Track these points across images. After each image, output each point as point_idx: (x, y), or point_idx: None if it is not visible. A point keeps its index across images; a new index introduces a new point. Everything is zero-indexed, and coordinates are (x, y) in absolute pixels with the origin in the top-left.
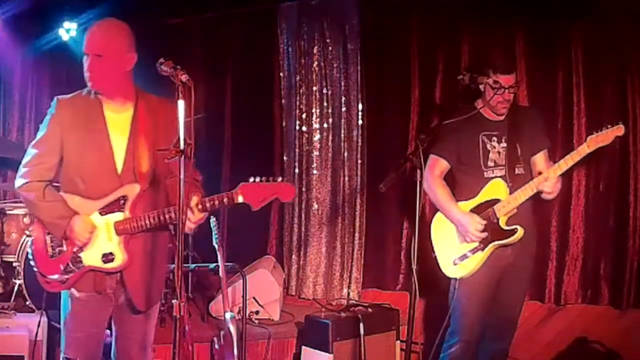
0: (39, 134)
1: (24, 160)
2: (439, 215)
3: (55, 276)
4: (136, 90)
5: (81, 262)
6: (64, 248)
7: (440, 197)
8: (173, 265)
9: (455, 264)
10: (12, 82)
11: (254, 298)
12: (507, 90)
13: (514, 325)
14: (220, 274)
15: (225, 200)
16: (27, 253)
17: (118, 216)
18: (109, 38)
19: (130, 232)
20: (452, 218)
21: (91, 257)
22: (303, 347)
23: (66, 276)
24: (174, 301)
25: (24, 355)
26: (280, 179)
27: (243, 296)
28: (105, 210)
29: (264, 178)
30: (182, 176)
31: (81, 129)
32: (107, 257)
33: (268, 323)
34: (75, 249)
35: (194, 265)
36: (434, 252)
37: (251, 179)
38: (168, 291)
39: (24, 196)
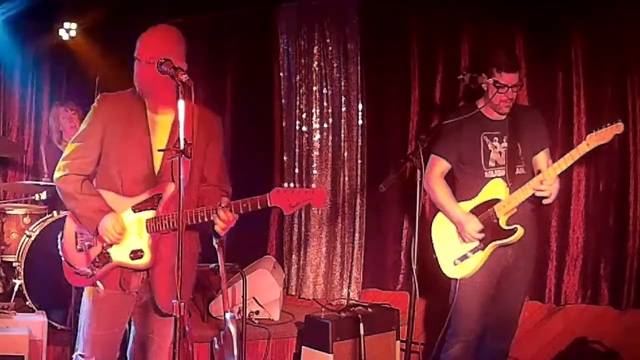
0: (81, 128)
1: (64, 154)
2: (440, 215)
3: (82, 268)
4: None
5: (109, 257)
6: (93, 243)
7: (440, 197)
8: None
9: (455, 265)
10: (12, 82)
11: (254, 298)
12: (510, 89)
13: (514, 325)
14: (220, 274)
15: (257, 203)
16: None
17: (150, 214)
18: (165, 46)
19: (161, 230)
20: (452, 218)
21: (120, 253)
22: (303, 347)
23: (93, 271)
24: (174, 301)
25: (24, 355)
26: (313, 186)
27: (243, 296)
28: (138, 207)
29: (297, 185)
30: (181, 176)
31: (122, 126)
32: (136, 254)
33: (268, 323)
34: (105, 244)
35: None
36: (434, 253)
37: (285, 185)
38: None
39: (62, 188)
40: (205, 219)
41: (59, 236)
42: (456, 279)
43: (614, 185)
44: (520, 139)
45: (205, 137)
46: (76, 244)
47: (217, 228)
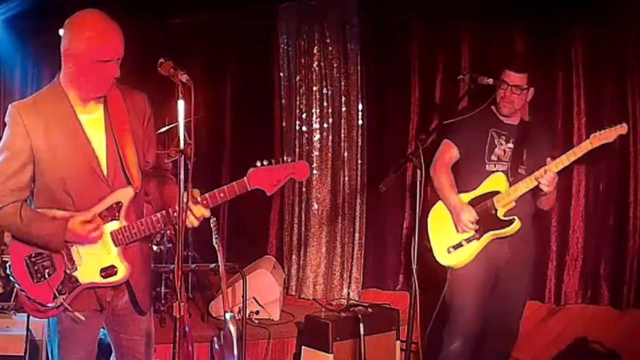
0: (3, 151)
1: None
2: (439, 204)
3: (52, 304)
4: None
5: (77, 281)
6: (52, 270)
7: (442, 184)
8: (173, 265)
9: (449, 252)
10: (12, 82)
11: (254, 298)
12: (510, 88)
13: (515, 327)
14: (220, 274)
15: (236, 188)
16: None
17: (113, 225)
18: (122, 39)
19: (130, 240)
20: (449, 206)
21: (88, 274)
22: (303, 347)
23: (60, 297)
24: (174, 301)
25: (24, 356)
26: (289, 159)
27: (243, 296)
28: None
29: (272, 160)
30: (181, 176)
31: (52, 135)
32: (107, 272)
33: (268, 323)
34: (67, 269)
35: (194, 265)
36: (428, 242)
37: (258, 163)
38: (168, 291)
39: (3, 224)
40: (173, 220)
41: (8, 268)
42: (449, 269)
43: (614, 185)
44: (527, 147)
45: (138, 121)
46: (30, 276)
47: (188, 224)
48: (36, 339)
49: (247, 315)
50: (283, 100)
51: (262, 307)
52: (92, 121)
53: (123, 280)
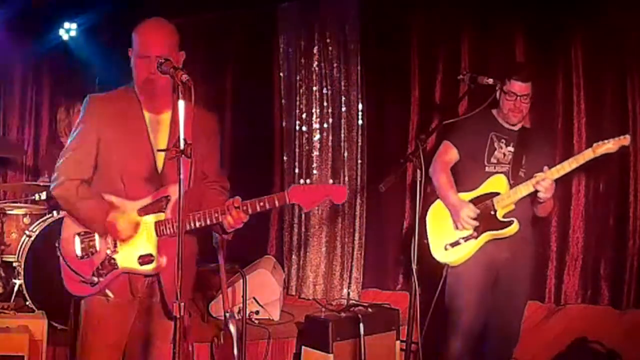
0: (73, 133)
1: (58, 162)
2: (438, 202)
3: (87, 277)
4: (173, 94)
5: (115, 264)
6: (96, 249)
7: (441, 182)
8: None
9: (446, 249)
10: (12, 82)
11: (254, 298)
12: (519, 98)
13: (516, 328)
14: (220, 274)
15: (275, 201)
16: (26, 254)
17: (159, 217)
18: (168, 38)
19: (171, 233)
20: (448, 204)
21: (127, 259)
22: (303, 347)
23: (98, 278)
24: (174, 301)
25: (24, 355)
26: (331, 181)
27: (243, 296)
28: (144, 211)
29: (315, 181)
30: (181, 176)
31: (119, 128)
32: (144, 259)
33: (268, 323)
34: (109, 251)
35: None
36: (426, 239)
37: (301, 181)
38: None
39: (58, 195)
40: (214, 221)
41: (57, 243)
42: (446, 267)
43: (614, 185)
44: (527, 153)
45: (202, 136)
46: (77, 251)
47: (225, 226)
48: (36, 339)
49: (247, 315)
50: (283, 100)
51: (262, 307)
52: (158, 122)
53: (156, 270)
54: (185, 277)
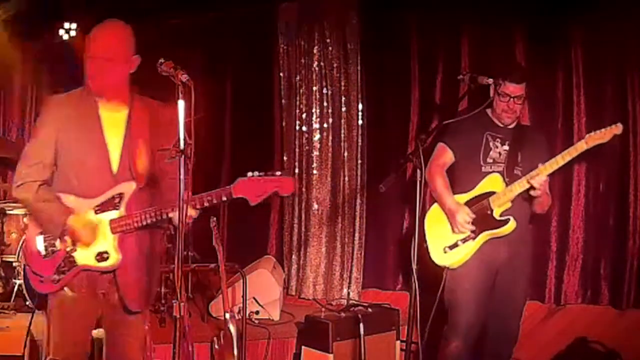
0: (33, 135)
1: (19, 163)
2: (435, 205)
3: (48, 275)
4: (132, 92)
5: (74, 261)
6: (57, 247)
7: (437, 185)
8: (173, 265)
9: (445, 252)
10: (12, 82)
11: (254, 298)
12: (512, 100)
13: (515, 328)
14: (220, 274)
15: (222, 196)
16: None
17: (113, 214)
18: (116, 40)
19: (125, 230)
20: (445, 207)
21: (85, 256)
22: (303, 347)
23: (59, 276)
24: (174, 301)
25: (24, 355)
26: (279, 172)
27: (243, 296)
28: (100, 209)
29: (262, 173)
30: (182, 176)
31: (76, 127)
32: (101, 256)
33: (268, 323)
34: (68, 249)
35: (194, 265)
36: (425, 241)
37: (249, 174)
38: (168, 291)
39: (19, 197)
40: (164, 217)
41: (20, 244)
42: (446, 269)
43: (614, 185)
44: (522, 150)
45: (162, 131)
46: (41, 251)
47: (174, 223)
48: (36, 339)
49: (247, 315)
50: (283, 100)
51: (262, 307)
52: (114, 121)
53: (113, 267)
54: (151, 275)
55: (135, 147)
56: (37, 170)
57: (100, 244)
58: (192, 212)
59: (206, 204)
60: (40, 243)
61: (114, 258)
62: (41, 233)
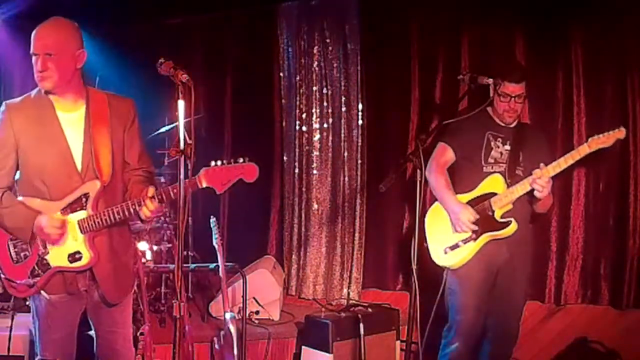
0: None
1: None
2: (436, 204)
3: (23, 281)
4: (86, 88)
5: (48, 264)
6: (29, 252)
7: (438, 185)
8: (173, 265)
9: (446, 253)
10: (12, 82)
11: (254, 298)
12: (513, 99)
13: (515, 329)
14: (220, 274)
15: (187, 185)
16: None
17: (81, 214)
18: (60, 36)
19: (94, 229)
20: (447, 206)
21: (58, 258)
22: (303, 347)
23: (34, 280)
24: (174, 301)
25: (24, 355)
26: (242, 159)
27: (243, 296)
28: (67, 210)
29: (225, 161)
30: (181, 176)
31: (35, 131)
32: (74, 257)
33: (268, 323)
34: (40, 252)
35: (194, 265)
36: (425, 242)
37: (212, 163)
38: (168, 291)
39: None
40: (132, 213)
41: None
42: (446, 269)
43: (614, 185)
44: (523, 149)
45: (120, 123)
46: (11, 257)
47: (142, 217)
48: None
49: (247, 315)
50: (283, 100)
51: (262, 307)
52: (72, 120)
53: (88, 265)
54: (123, 267)
55: (96, 143)
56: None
57: (71, 244)
58: (159, 207)
59: (172, 197)
60: (11, 249)
61: (87, 257)
62: (11, 238)
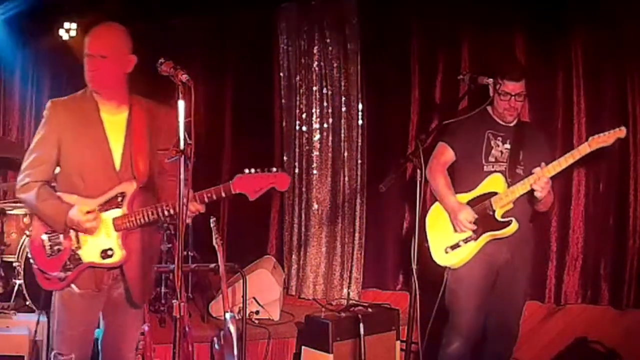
0: (36, 137)
1: (23, 165)
2: (436, 205)
3: (55, 273)
4: (130, 93)
5: (80, 259)
6: (62, 246)
7: (439, 184)
8: (173, 265)
9: (446, 252)
10: (13, 82)
11: (254, 298)
12: (513, 98)
13: (515, 328)
14: (220, 274)
15: (222, 192)
16: (27, 252)
17: (116, 212)
18: (113, 40)
19: (128, 227)
20: (447, 206)
21: (90, 254)
22: (303, 347)
23: (65, 274)
24: (174, 301)
25: (24, 355)
26: (275, 169)
27: (243, 296)
28: (103, 207)
29: (259, 169)
30: (181, 176)
31: (78, 129)
32: (106, 253)
33: (268, 323)
34: (73, 247)
35: (194, 265)
36: (426, 242)
37: (246, 171)
38: (168, 291)
39: (22, 197)
40: (167, 214)
41: (27, 243)
42: (447, 269)
43: (614, 185)
44: (524, 148)
45: (160, 130)
46: (45, 250)
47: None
48: (37, 339)
49: (247, 315)
50: (283, 100)
51: (262, 307)
52: (115, 122)
53: (119, 263)
54: (148, 272)
55: (136, 147)
56: (40, 171)
57: (104, 241)
58: (199, 207)
59: (206, 200)
60: (46, 243)
61: (119, 255)
62: (46, 232)
